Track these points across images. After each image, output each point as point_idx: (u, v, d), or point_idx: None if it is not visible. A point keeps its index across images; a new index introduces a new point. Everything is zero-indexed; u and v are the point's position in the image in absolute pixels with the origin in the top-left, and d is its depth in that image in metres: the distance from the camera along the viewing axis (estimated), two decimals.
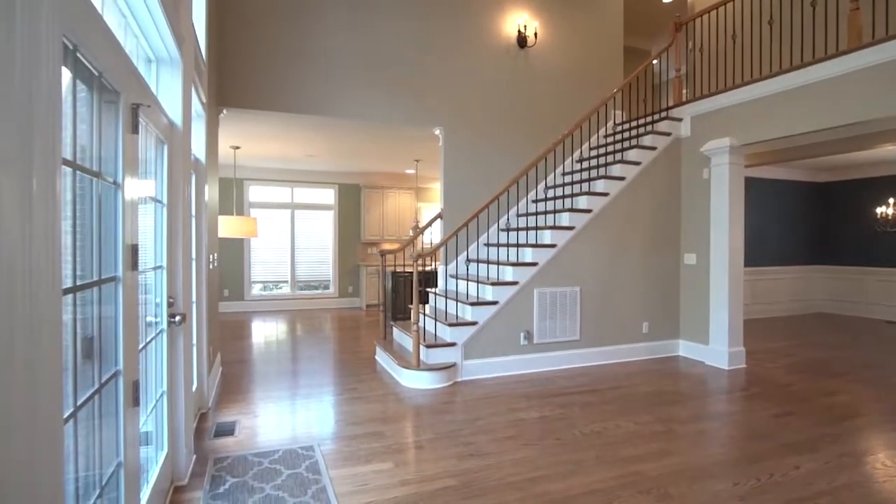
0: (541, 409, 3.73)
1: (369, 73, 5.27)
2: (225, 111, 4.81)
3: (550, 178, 6.02)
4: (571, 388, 4.28)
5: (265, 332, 7.08)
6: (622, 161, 5.25)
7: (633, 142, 5.47)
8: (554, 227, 4.89)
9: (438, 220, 5.69)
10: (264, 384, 4.39)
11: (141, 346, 1.92)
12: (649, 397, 4.05)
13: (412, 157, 7.78)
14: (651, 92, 6.71)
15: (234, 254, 8.84)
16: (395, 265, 5.67)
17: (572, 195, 5.14)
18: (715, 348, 5.04)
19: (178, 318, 2.40)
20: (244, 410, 3.69)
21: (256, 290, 9.16)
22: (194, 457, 2.80)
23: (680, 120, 5.43)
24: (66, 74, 1.30)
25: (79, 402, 1.31)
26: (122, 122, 1.63)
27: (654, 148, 5.33)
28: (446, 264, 5.50)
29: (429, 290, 5.49)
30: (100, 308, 1.58)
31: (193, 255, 3.44)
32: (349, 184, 9.58)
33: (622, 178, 5.16)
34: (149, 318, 2.29)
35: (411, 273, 6.67)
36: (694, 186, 5.33)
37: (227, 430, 3.27)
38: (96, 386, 1.47)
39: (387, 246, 9.73)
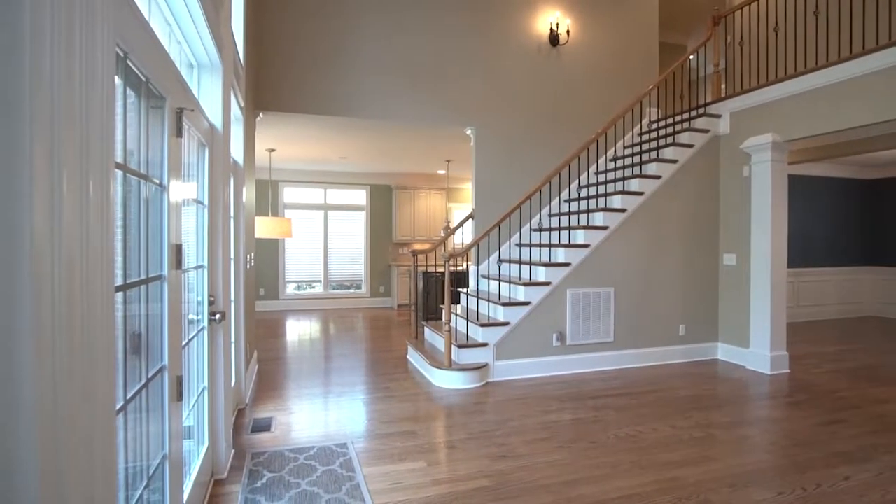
0: (574, 412, 3.68)
1: (402, 75, 5.31)
2: (261, 114, 4.92)
3: (584, 177, 5.94)
4: (605, 391, 4.21)
5: (299, 331, 7.22)
6: (658, 159, 5.14)
7: (669, 139, 5.34)
8: (587, 227, 4.81)
9: (470, 220, 5.69)
10: (299, 382, 4.47)
11: (184, 342, 1.98)
12: (687, 401, 3.94)
13: (443, 158, 7.80)
14: (688, 88, 6.54)
15: (269, 254, 9.04)
16: (426, 265, 5.69)
17: (606, 194, 5.05)
18: (756, 352, 4.87)
19: (218, 315, 2.47)
20: (280, 407, 3.77)
21: (290, 289, 9.34)
22: (233, 451, 2.87)
23: (719, 116, 5.27)
24: (117, 81, 1.35)
25: (128, 396, 1.36)
26: (168, 125, 1.69)
27: (691, 145, 5.20)
28: (480, 264, 5.48)
29: (460, 290, 5.50)
30: (146, 306, 1.64)
31: (232, 255, 3.53)
32: (381, 184, 9.67)
33: (658, 177, 5.05)
34: (191, 316, 2.36)
35: (443, 273, 6.69)
36: (733, 185, 5.16)
37: (263, 426, 3.34)
38: (143, 381, 1.53)
39: (417, 246, 9.79)
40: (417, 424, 3.45)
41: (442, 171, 9.17)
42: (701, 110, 5.42)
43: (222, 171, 2.56)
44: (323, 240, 9.43)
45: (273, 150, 7.03)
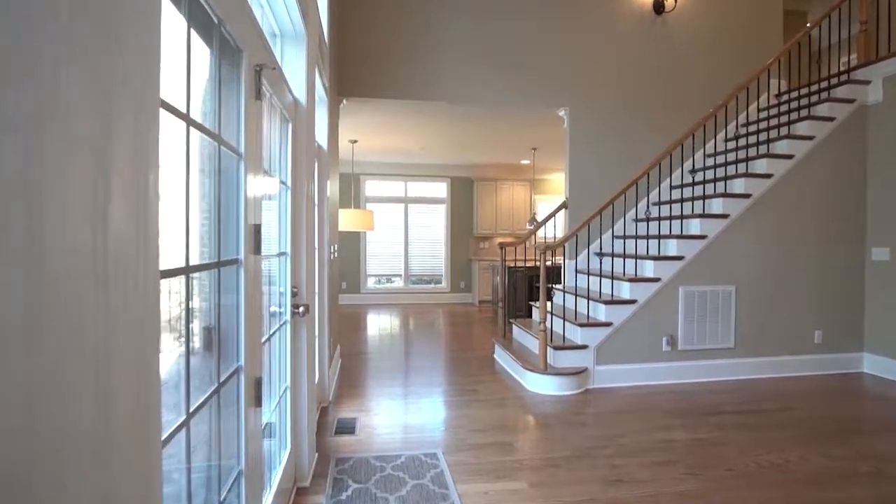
0: (694, 430, 3.14)
1: (488, 56, 4.93)
2: (345, 101, 4.76)
3: (692, 161, 5.24)
4: (728, 406, 3.60)
5: (380, 325, 7.09)
6: (789, 136, 4.39)
7: (803, 113, 4.55)
8: (704, 216, 4.19)
9: (563, 210, 5.20)
10: (382, 379, 4.25)
11: (264, 338, 1.75)
12: (838, 424, 3.26)
13: (529, 146, 7.34)
14: (819, 56, 5.60)
15: (351, 248, 9.04)
16: (515, 260, 5.29)
17: (725, 178, 4.39)
18: None
19: (301, 308, 2.24)
20: (363, 407, 3.55)
21: (371, 283, 9.30)
22: (316, 455, 2.66)
23: (867, 83, 4.42)
24: (181, 19, 1.10)
25: (192, 408, 1.10)
26: (245, 84, 1.44)
27: (830, 118, 4.39)
28: (575, 258, 4.98)
29: (553, 286, 5.05)
30: (219, 295, 1.40)
31: (316, 245, 3.35)
32: (461, 177, 9.37)
33: (790, 157, 4.31)
34: (272, 308, 2.15)
35: (530, 268, 6.25)
36: (888, 164, 4.30)
37: (348, 428, 3.12)
38: (215, 385, 1.28)
39: (499, 240, 9.38)
40: (513, 435, 3.08)
41: (526, 162, 8.70)
42: (842, 77, 4.57)
43: (306, 150, 2.33)
44: (403, 233, 9.29)
45: (355, 141, 6.93)
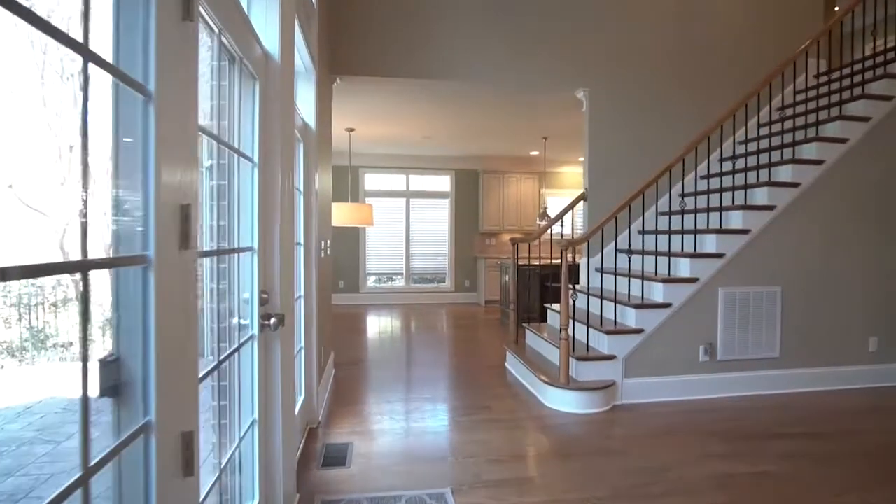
0: (753, 460, 2.63)
1: (500, 30, 4.41)
2: (339, 80, 4.25)
3: (719, 150, 4.71)
4: (781, 427, 3.10)
5: (380, 328, 6.60)
6: (841, 117, 3.87)
7: (854, 92, 4.02)
8: (746, 207, 3.68)
9: (581, 202, 4.68)
10: (381, 393, 3.75)
11: (204, 371, 1.25)
12: None
13: (539, 135, 6.82)
14: (875, 27, 5.04)
15: (349, 245, 8.54)
16: (529, 257, 4.78)
17: (770, 164, 3.87)
18: None
19: (273, 320, 1.74)
20: (358, 429, 3.05)
21: (371, 282, 8.81)
22: (297, 497, 2.16)
23: None
24: None
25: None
26: None
27: (889, 97, 3.87)
28: (599, 253, 4.46)
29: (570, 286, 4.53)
30: (118, 312, 0.91)
31: (302, 239, 2.85)
32: (466, 169, 8.86)
33: (843, 140, 3.79)
34: (234, 321, 1.65)
35: (542, 266, 5.74)
36: None
37: (338, 458, 2.62)
38: (106, 450, 0.78)
39: (507, 237, 8.88)
40: (536, 467, 2.58)
41: (535, 153, 8.18)
42: None
43: (281, 119, 1.83)
44: (405, 230, 8.78)
45: (352, 129, 6.42)
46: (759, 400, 3.60)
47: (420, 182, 8.87)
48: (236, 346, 1.60)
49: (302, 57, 2.73)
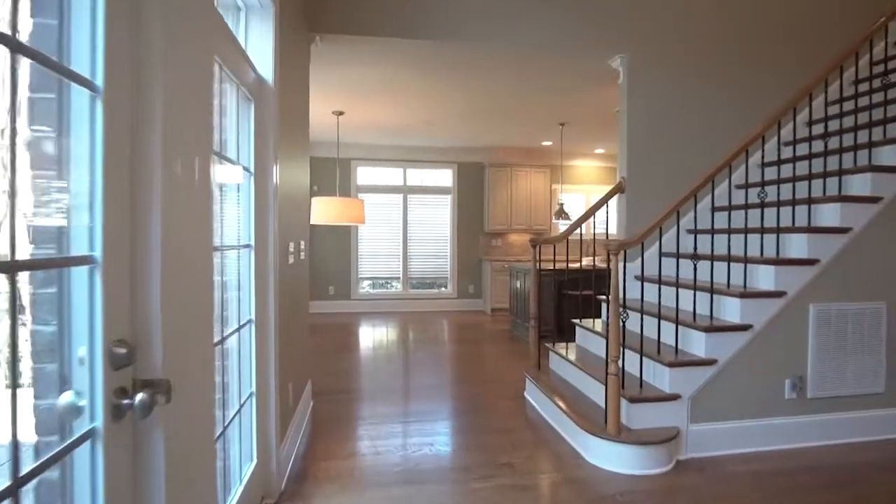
0: None
1: None
2: (319, 40, 3.39)
3: (784, 131, 3.84)
4: None
5: (373, 343, 5.74)
6: None
7: None
8: (843, 199, 2.83)
9: (619, 195, 3.82)
10: (371, 438, 2.90)
11: None
12: None
13: (556, 121, 5.98)
14: None
15: (340, 246, 7.69)
16: (541, 261, 3.90)
17: (870, 145, 3.02)
18: None
19: (141, 395, 0.89)
20: (341, 499, 2.19)
21: (364, 287, 7.94)
22: None
23: None
24: None
25: None
26: None
27: None
28: (641, 258, 3.58)
29: (600, 297, 3.69)
30: None
31: (251, 240, 2.00)
32: (471, 162, 8.00)
33: None
34: (59, 402, 0.81)
35: (558, 271, 4.88)
36: None
37: None
38: None
39: (514, 237, 8.03)
40: None
41: (548, 143, 7.34)
42: None
43: (190, 36, 0.97)
44: (402, 229, 7.92)
45: (341, 112, 5.56)
46: (865, 448, 2.76)
47: (419, 176, 8.01)
48: (58, 449, 0.74)
49: None
